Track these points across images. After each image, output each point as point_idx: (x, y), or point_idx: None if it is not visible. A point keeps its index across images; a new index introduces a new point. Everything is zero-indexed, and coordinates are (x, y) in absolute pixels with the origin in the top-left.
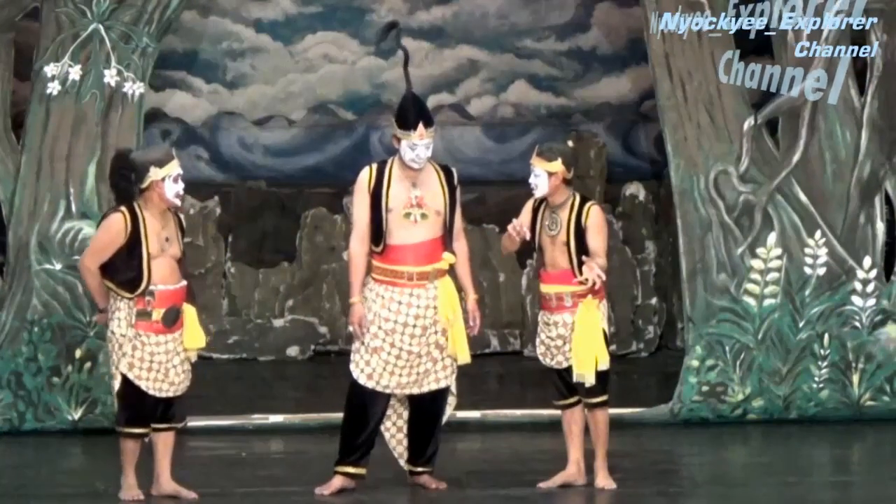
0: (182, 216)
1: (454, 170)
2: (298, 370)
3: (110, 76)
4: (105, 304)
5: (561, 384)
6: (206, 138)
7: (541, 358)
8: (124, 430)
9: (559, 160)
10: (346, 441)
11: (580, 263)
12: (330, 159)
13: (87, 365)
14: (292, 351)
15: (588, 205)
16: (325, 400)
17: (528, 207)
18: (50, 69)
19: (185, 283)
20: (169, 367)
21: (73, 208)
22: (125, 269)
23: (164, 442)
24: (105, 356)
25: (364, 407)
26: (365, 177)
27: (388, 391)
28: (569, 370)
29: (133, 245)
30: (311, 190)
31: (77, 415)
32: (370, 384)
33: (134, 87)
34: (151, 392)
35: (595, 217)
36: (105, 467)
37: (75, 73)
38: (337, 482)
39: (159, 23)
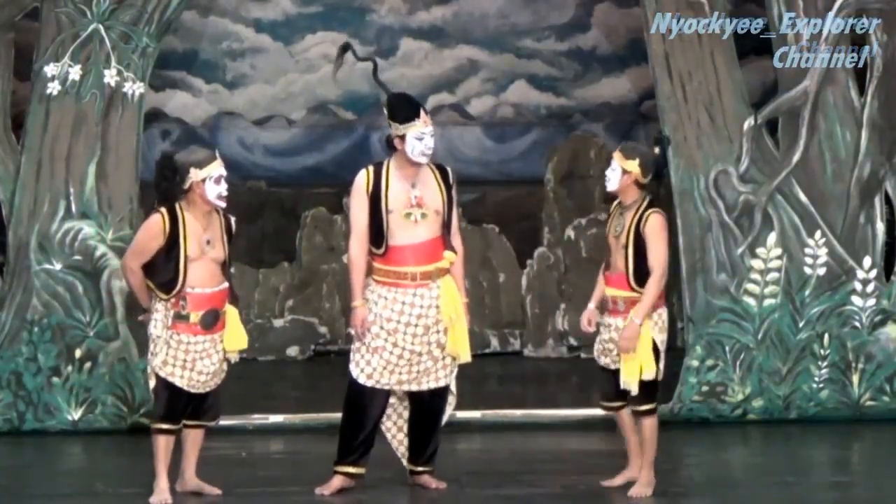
0: (233, 218)
1: (449, 168)
2: (298, 370)
3: (110, 76)
4: (148, 303)
5: (608, 386)
6: (206, 138)
7: (595, 356)
8: (157, 426)
9: (637, 160)
10: (345, 441)
11: (636, 269)
12: (330, 159)
13: (87, 365)
14: (292, 351)
15: (648, 211)
16: (325, 400)
17: (611, 214)
18: (50, 69)
19: (226, 285)
20: (203, 365)
21: (73, 208)
22: (163, 270)
23: (193, 439)
24: (104, 356)
25: (363, 406)
26: (362, 179)
27: (386, 388)
28: (616, 372)
29: (171, 246)
30: (311, 190)
31: (77, 415)
32: (369, 383)
33: (134, 87)
34: (184, 388)
35: (653, 224)
36: (105, 467)
37: (75, 73)
38: (337, 482)
39: (159, 23)
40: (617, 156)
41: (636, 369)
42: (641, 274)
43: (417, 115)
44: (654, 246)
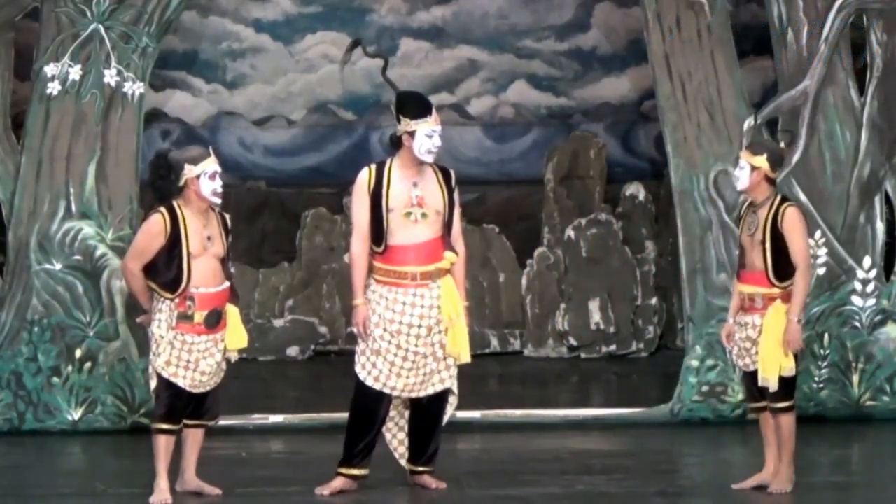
0: (227, 216)
1: (452, 171)
2: (298, 370)
3: (110, 76)
4: (149, 305)
5: (750, 387)
6: (206, 138)
7: (734, 358)
8: (157, 426)
9: (765, 155)
10: (351, 443)
11: (774, 265)
12: (330, 159)
13: (87, 365)
14: (292, 351)
15: (785, 205)
16: (324, 400)
17: (742, 214)
18: (50, 69)
19: (227, 284)
20: (207, 364)
21: (73, 208)
22: (166, 269)
23: (193, 438)
24: (104, 356)
25: (371, 409)
26: (364, 177)
27: (395, 393)
28: (755, 373)
29: (173, 244)
30: (311, 190)
31: (77, 415)
32: (377, 386)
33: (134, 87)
34: (187, 388)
35: (790, 218)
36: (105, 467)
37: (75, 73)
38: (338, 483)
39: (159, 23)
40: (744, 153)
41: (776, 366)
42: (780, 269)
43: (430, 113)
44: (794, 240)
